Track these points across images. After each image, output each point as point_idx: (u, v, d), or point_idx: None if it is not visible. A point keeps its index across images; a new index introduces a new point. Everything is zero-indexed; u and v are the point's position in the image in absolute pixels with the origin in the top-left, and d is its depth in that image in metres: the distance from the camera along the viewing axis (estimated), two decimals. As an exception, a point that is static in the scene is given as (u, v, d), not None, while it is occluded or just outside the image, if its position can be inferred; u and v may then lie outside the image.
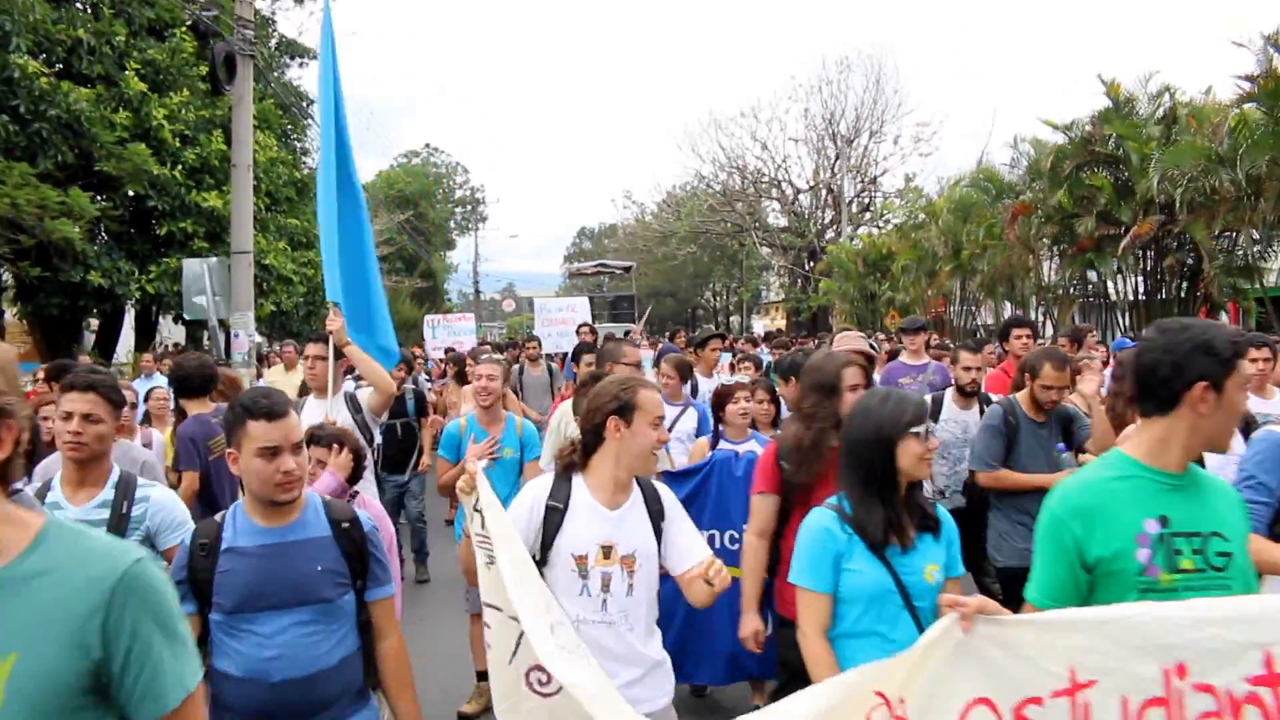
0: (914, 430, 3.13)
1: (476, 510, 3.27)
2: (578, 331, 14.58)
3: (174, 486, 5.84)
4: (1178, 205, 17.22)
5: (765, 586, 4.29)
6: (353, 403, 5.96)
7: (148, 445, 6.41)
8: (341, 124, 6.08)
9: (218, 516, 3.13)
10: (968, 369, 6.49)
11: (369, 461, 5.38)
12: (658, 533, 3.39)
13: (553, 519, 3.31)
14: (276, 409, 2.99)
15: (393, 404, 8.62)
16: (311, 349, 6.23)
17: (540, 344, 12.16)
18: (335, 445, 4.25)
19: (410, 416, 9.22)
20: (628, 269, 35.17)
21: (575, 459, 3.42)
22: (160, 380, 11.48)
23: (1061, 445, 5.49)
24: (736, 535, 5.18)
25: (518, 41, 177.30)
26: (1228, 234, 19.75)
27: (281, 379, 11.65)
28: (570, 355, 9.41)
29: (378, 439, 6.38)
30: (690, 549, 3.38)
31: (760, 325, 30.15)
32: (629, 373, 5.55)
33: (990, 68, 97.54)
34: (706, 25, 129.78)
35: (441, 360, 16.90)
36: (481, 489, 3.28)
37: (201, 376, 6.29)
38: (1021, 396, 5.57)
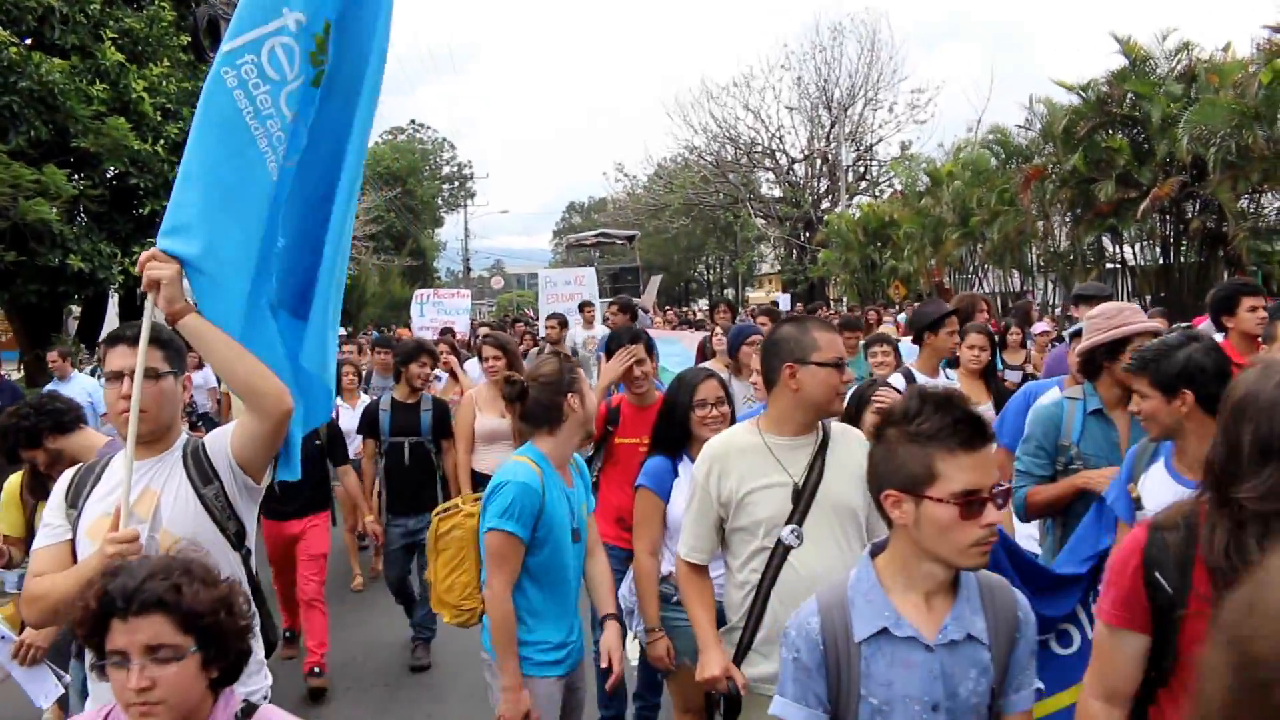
0: None
1: None
2: (608, 311, 11.27)
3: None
4: (1211, 165, 16.54)
5: None
6: (197, 462, 2.91)
7: None
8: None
9: None
10: None
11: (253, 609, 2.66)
12: None
13: None
14: None
15: (402, 417, 6.63)
16: (113, 358, 2.95)
17: (563, 320, 10.99)
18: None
19: (424, 435, 6.66)
20: (630, 238, 33.57)
21: None
22: (80, 385, 9.73)
23: None
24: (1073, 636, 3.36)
25: (500, 12, 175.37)
26: (1253, 195, 19.17)
27: None
28: (603, 347, 6.06)
29: (249, 538, 3.02)
30: None
31: (775, 298, 28.87)
32: (833, 394, 3.12)
33: (990, 27, 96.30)
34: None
35: (439, 342, 12.48)
36: None
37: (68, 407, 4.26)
38: None
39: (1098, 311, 3.98)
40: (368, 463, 6.73)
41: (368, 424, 6.73)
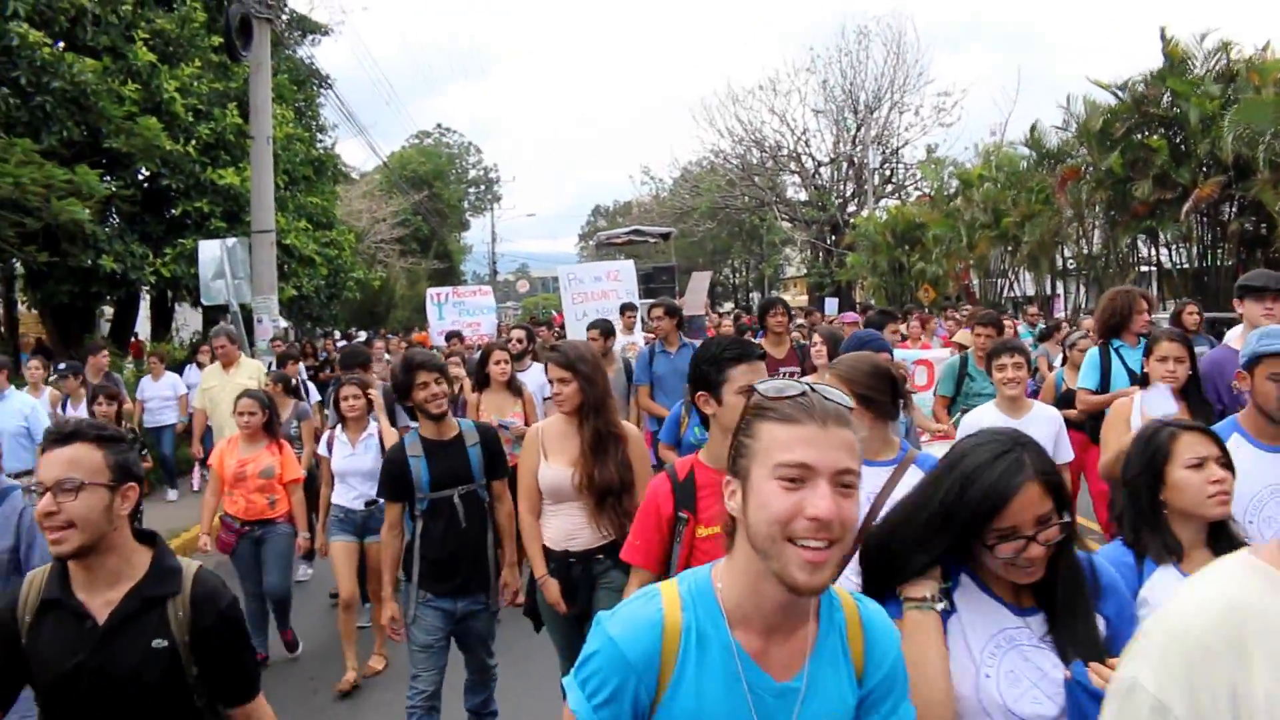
0: None
1: None
2: (650, 315, 8.74)
3: None
4: (1260, 164, 16.20)
5: None
6: None
7: None
8: None
9: None
10: None
11: None
12: None
13: None
14: None
15: (443, 460, 4.49)
16: None
17: (607, 328, 8.43)
18: None
19: (477, 480, 4.56)
20: (666, 235, 30.73)
21: None
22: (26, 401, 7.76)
23: None
24: None
25: (525, 15, 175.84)
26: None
27: (219, 380, 9.00)
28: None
29: None
30: None
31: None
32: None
33: (1008, 29, 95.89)
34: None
35: (446, 350, 11.92)
36: None
37: None
38: None
39: None
40: (390, 534, 4.60)
41: (394, 481, 4.54)
